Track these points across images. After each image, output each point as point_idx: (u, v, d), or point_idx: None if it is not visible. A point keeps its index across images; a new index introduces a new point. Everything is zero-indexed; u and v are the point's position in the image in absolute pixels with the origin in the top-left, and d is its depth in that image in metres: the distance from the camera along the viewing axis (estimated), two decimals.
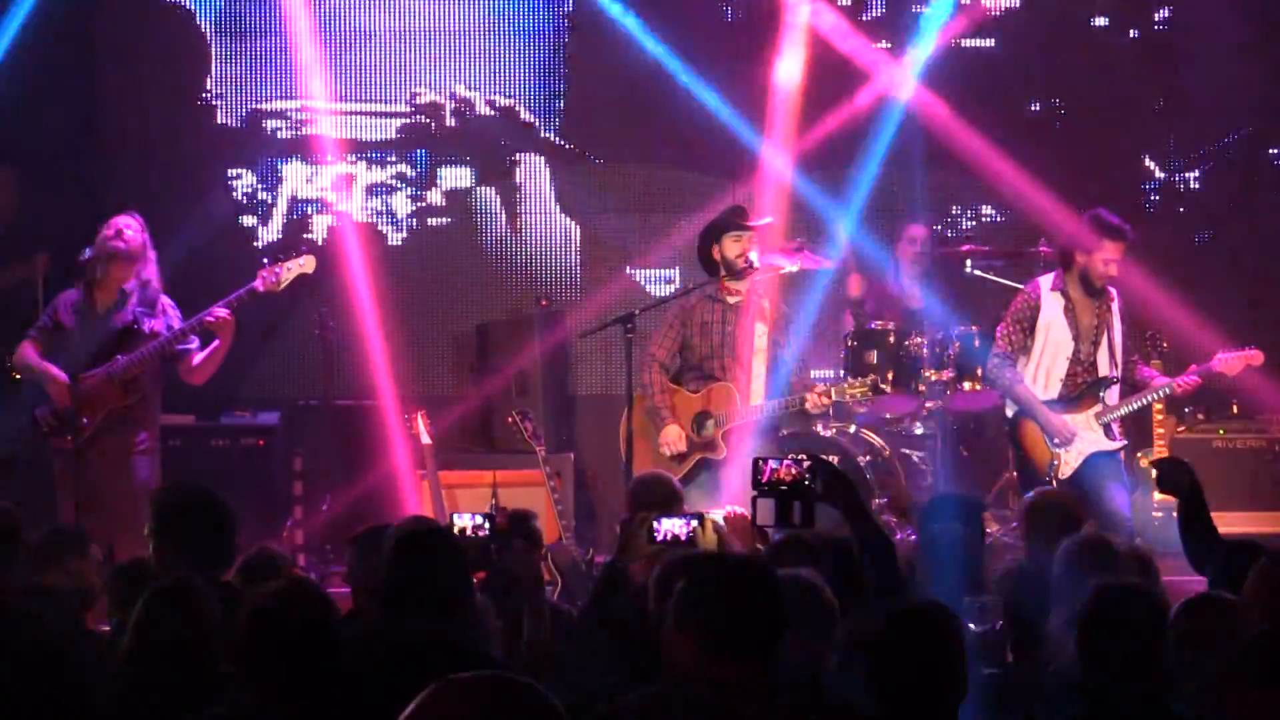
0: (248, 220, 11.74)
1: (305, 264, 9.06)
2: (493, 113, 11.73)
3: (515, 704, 2.95)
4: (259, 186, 11.72)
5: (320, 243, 11.63)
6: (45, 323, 9.04)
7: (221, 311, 8.84)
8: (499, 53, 11.70)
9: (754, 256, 9.17)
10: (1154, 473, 6.77)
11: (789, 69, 11.09)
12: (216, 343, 8.92)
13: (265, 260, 9.17)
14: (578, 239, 11.76)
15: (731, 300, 9.18)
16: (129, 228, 8.94)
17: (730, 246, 9.13)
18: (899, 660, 4.33)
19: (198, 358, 8.96)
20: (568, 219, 11.76)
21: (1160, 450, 9.89)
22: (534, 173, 11.76)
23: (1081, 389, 9.01)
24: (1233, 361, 9.09)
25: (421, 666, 4.60)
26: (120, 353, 8.84)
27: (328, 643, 4.42)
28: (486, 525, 6.05)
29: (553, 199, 11.75)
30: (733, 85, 11.48)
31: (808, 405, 9.01)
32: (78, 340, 8.90)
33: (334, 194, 11.72)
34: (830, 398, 9.03)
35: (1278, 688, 3.76)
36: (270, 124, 11.69)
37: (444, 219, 11.78)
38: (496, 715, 2.91)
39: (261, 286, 8.96)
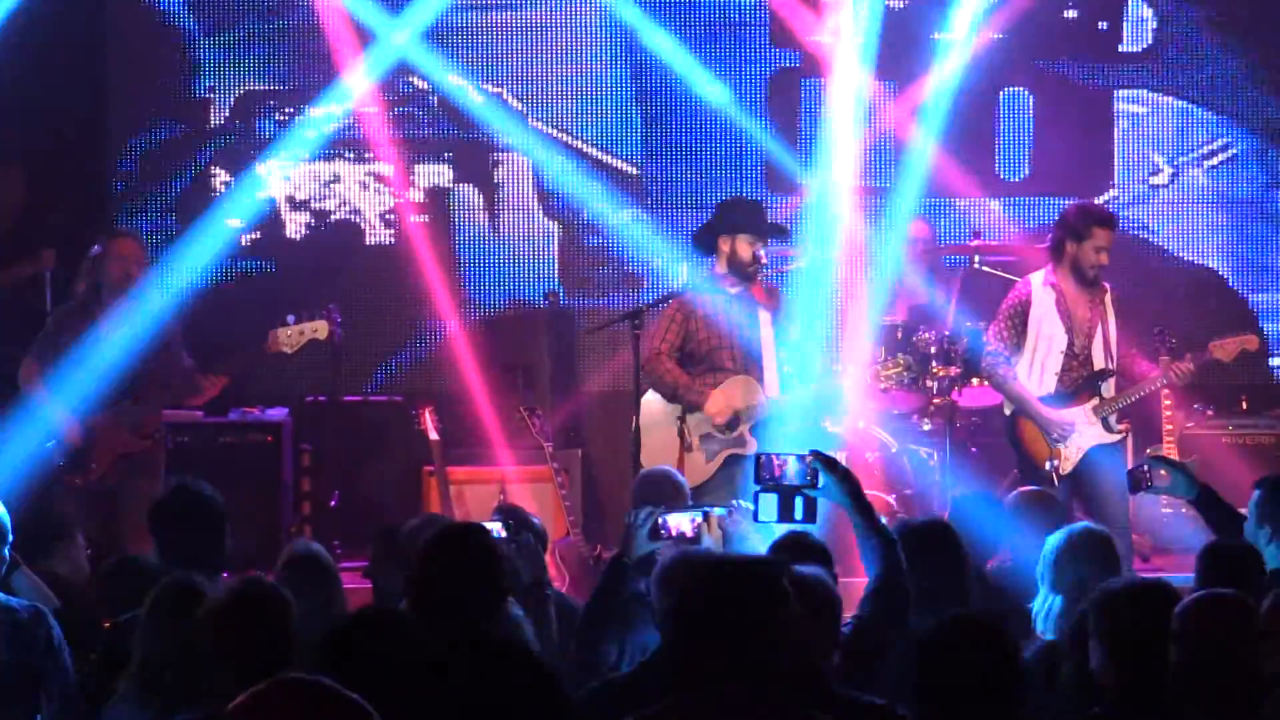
0: (246, 220, 11.72)
1: (319, 329, 9.08)
2: (498, 104, 11.71)
3: (326, 706, 2.99)
4: (260, 184, 11.70)
5: (324, 241, 11.65)
6: (48, 346, 8.96)
7: (220, 380, 8.94)
8: (500, 44, 11.70)
9: (761, 251, 9.12)
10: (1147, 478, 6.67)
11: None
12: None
13: (292, 318, 9.14)
14: (582, 236, 11.74)
15: (733, 290, 9.05)
16: (133, 262, 8.92)
17: (744, 248, 8.95)
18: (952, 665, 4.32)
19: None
20: (572, 215, 11.74)
21: (1169, 446, 9.88)
22: (537, 167, 11.74)
23: (1078, 383, 8.98)
24: (1228, 347, 9.06)
25: (460, 664, 4.62)
26: (131, 393, 8.83)
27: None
28: (504, 532, 6.08)
29: (557, 195, 11.73)
30: (742, 79, 11.54)
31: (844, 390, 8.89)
32: (84, 372, 8.85)
33: (339, 189, 11.71)
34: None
35: None
36: (267, 120, 11.67)
37: (448, 214, 11.75)
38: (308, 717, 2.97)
39: (271, 350, 9.02)
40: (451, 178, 11.72)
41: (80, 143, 11.41)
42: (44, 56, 11.07)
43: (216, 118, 11.65)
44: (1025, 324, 8.98)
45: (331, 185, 11.70)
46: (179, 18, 11.59)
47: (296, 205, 11.68)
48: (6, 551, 5.98)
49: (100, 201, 11.29)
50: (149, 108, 11.59)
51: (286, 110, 11.59)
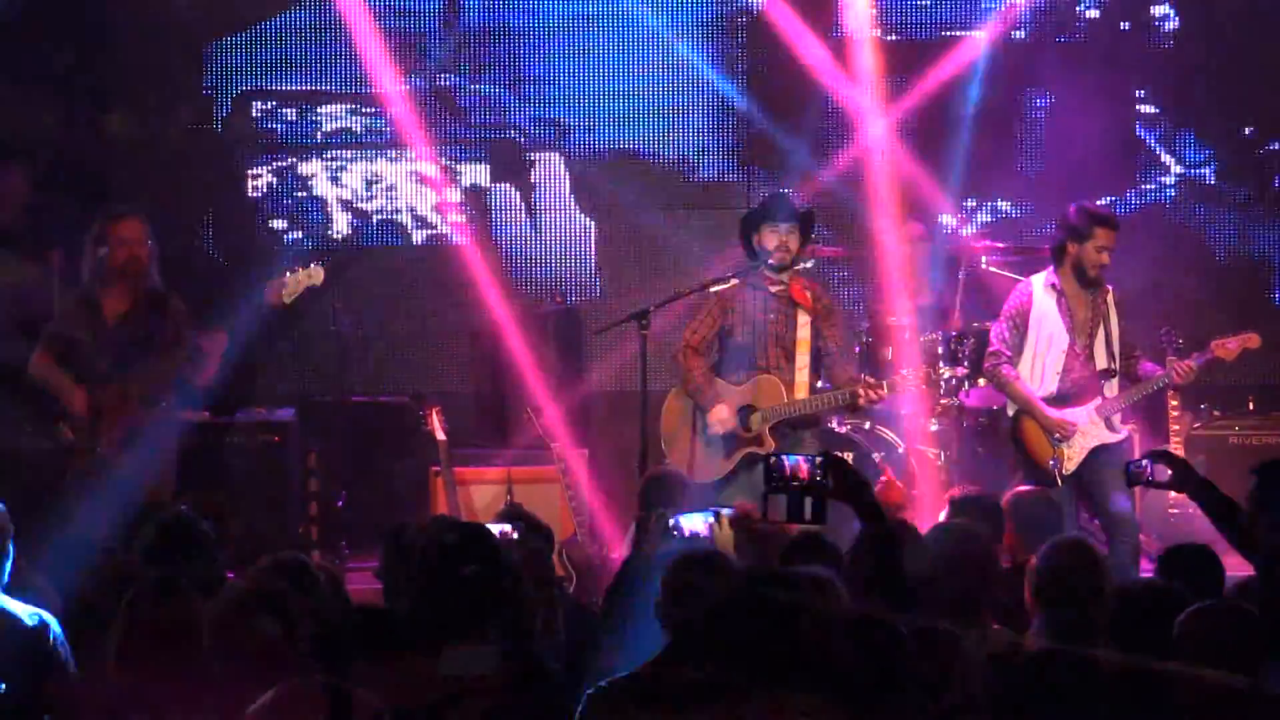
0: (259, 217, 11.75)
1: (314, 275, 8.98)
2: (508, 105, 11.72)
3: (341, 706, 3.00)
4: (271, 182, 11.72)
5: (335, 239, 11.67)
6: (54, 330, 8.99)
7: (219, 335, 8.84)
8: (517, 42, 11.70)
9: (787, 239, 9.01)
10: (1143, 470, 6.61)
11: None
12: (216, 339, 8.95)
13: (274, 271, 9.13)
14: (594, 235, 11.75)
15: (774, 289, 9.01)
16: (137, 244, 8.88)
17: (769, 238, 8.93)
18: None
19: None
20: (584, 216, 11.75)
21: (1176, 447, 9.86)
22: (551, 168, 11.74)
23: (1080, 383, 8.97)
24: (1230, 346, 9.05)
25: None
26: (134, 364, 8.82)
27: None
28: (515, 534, 6.08)
29: (570, 195, 11.74)
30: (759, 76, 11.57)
31: (860, 400, 8.89)
32: (89, 351, 8.84)
33: (348, 190, 11.72)
34: (884, 390, 8.91)
35: None
36: (278, 118, 11.67)
37: (460, 215, 11.76)
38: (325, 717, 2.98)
39: (269, 299, 8.95)
40: (462, 180, 11.73)
41: (85, 140, 11.42)
42: (46, 50, 11.07)
43: (223, 118, 11.66)
44: (1026, 325, 8.97)
45: (334, 186, 11.72)
46: (174, 12, 11.59)
47: (299, 205, 11.70)
48: (10, 545, 5.94)
49: (105, 200, 11.28)
50: (151, 103, 11.60)
51: (289, 110, 11.61)
